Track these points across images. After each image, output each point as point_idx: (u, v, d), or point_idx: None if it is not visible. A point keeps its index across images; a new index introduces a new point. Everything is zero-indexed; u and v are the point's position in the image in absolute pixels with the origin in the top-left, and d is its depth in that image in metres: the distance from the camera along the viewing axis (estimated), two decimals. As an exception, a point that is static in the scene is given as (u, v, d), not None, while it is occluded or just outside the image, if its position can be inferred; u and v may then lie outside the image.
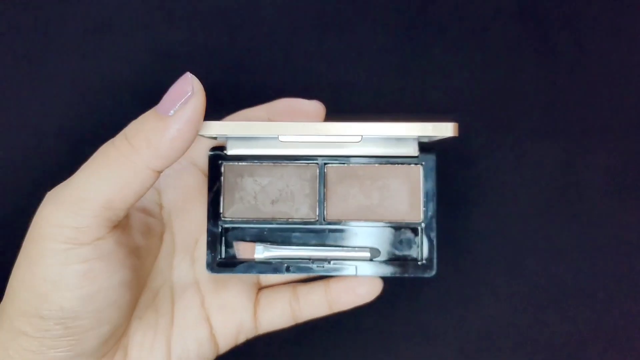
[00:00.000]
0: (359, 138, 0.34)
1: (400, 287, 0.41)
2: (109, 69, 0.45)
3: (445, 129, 0.31)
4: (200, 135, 0.32)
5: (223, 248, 0.37)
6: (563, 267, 0.43)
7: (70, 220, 0.29)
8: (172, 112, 0.29)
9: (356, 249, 0.37)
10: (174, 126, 0.29)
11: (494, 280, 0.43)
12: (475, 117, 0.44)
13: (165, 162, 0.30)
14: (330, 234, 0.38)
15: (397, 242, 0.38)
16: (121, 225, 0.32)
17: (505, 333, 0.43)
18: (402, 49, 0.45)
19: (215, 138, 0.36)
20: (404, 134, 0.32)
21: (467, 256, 0.43)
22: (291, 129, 0.32)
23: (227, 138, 0.36)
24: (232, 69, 0.45)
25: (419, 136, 0.35)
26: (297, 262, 0.37)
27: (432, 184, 0.37)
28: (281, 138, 0.34)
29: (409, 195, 0.37)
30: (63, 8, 0.45)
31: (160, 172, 0.30)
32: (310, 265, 0.37)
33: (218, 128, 0.31)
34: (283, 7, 0.45)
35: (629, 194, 0.43)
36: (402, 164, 0.37)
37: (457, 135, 0.31)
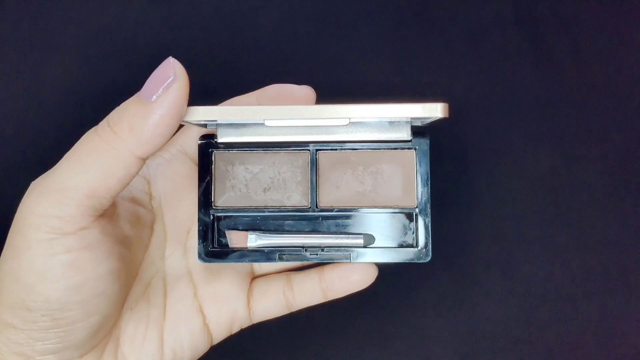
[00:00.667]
0: (347, 121, 0.33)
1: (394, 288, 0.40)
2: (109, 71, 0.44)
3: (435, 110, 0.30)
4: (187, 122, 0.31)
5: (215, 237, 0.37)
6: (557, 268, 0.43)
7: (54, 209, 0.29)
8: (154, 97, 0.28)
9: (350, 236, 0.37)
10: (157, 111, 0.28)
11: (488, 281, 0.43)
12: (472, 120, 0.44)
13: (149, 148, 0.29)
14: (324, 221, 0.37)
15: (392, 228, 0.37)
16: (107, 214, 0.32)
17: (499, 334, 0.43)
18: (399, 53, 0.44)
19: (205, 126, 0.36)
20: (392, 116, 0.31)
21: (462, 257, 0.43)
22: (277, 112, 0.31)
23: (217, 126, 0.36)
24: (231, 70, 0.45)
25: (412, 119, 0.34)
26: (291, 250, 0.36)
27: (426, 168, 0.36)
28: (267, 122, 0.33)
29: (403, 181, 0.36)
30: (63, 10, 0.45)
31: (144, 159, 0.30)
32: (303, 253, 0.36)
33: (202, 113, 0.31)
34: (281, 7, 0.45)
35: (622, 197, 0.43)
36: (395, 148, 0.36)
37: (447, 116, 0.30)
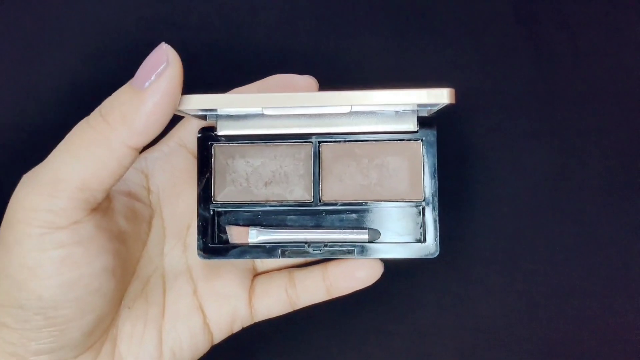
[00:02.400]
0: (348, 108, 0.31)
1: (395, 285, 0.40)
2: (109, 69, 0.44)
3: (440, 96, 0.29)
4: (183, 111, 0.30)
5: (215, 233, 0.36)
6: (558, 266, 0.42)
7: (44, 203, 0.28)
8: (147, 84, 0.27)
9: (354, 230, 0.35)
10: (150, 99, 0.27)
11: (489, 278, 0.42)
12: (472, 117, 0.43)
13: (142, 138, 0.28)
14: (327, 215, 0.36)
15: (398, 223, 0.36)
16: (101, 208, 0.31)
17: (501, 332, 0.42)
18: (399, 51, 0.44)
19: (204, 118, 0.35)
20: (396, 102, 0.30)
21: (463, 254, 0.42)
22: (275, 100, 0.30)
23: (217, 117, 0.35)
24: (231, 68, 0.44)
25: (418, 109, 0.33)
26: (293, 246, 0.35)
27: (433, 160, 0.35)
28: (266, 111, 0.32)
29: (409, 173, 0.35)
30: (63, 8, 0.44)
31: (138, 149, 0.29)
32: (306, 249, 0.35)
33: (197, 102, 0.29)
34: (282, 4, 0.44)
35: (624, 194, 0.42)
36: (401, 140, 0.35)
37: (454, 102, 0.29)
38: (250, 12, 0.44)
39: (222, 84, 0.42)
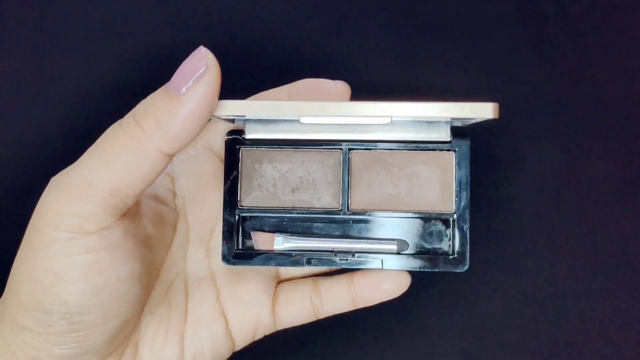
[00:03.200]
0: (388, 120, 0.31)
1: None
2: (114, 70, 0.43)
3: (484, 110, 0.28)
4: (216, 117, 0.30)
5: (240, 238, 0.35)
6: (562, 267, 0.42)
7: (74, 207, 0.27)
8: (184, 89, 0.26)
9: (382, 241, 0.35)
10: (186, 105, 0.26)
11: (493, 279, 0.42)
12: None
13: (176, 144, 0.27)
14: (355, 224, 0.35)
15: (427, 234, 0.35)
16: (130, 213, 0.30)
17: (505, 332, 0.42)
18: (403, 52, 0.43)
19: (232, 121, 0.34)
20: (438, 115, 0.29)
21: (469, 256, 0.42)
22: (314, 109, 0.29)
23: (245, 121, 0.34)
24: (234, 69, 0.43)
25: (452, 119, 0.32)
26: (319, 255, 0.34)
27: (465, 172, 0.34)
28: (303, 119, 0.31)
29: (440, 184, 0.34)
30: (65, 9, 0.43)
31: (171, 155, 0.28)
32: (332, 258, 0.34)
33: (234, 108, 0.29)
34: (285, 6, 0.44)
35: (628, 196, 0.42)
36: (433, 150, 0.34)
37: (497, 117, 0.28)
38: (257, 15, 0.43)
39: (233, 86, 0.42)
